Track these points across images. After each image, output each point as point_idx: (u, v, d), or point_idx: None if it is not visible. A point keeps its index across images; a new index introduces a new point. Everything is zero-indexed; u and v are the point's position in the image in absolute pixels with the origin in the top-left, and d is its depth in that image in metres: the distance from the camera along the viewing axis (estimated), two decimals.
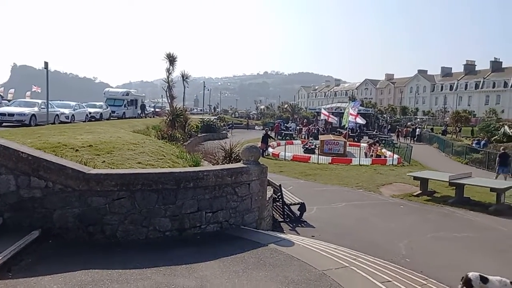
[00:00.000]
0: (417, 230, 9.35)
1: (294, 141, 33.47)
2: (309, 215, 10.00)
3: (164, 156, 9.56)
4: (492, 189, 12.09)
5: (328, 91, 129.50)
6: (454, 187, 12.82)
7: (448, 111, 63.79)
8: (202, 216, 6.40)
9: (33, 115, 18.73)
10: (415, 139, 41.33)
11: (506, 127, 34.91)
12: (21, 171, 5.68)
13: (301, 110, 76.01)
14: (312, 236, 8.18)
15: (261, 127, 50.35)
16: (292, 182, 14.63)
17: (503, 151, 19.73)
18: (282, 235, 7.09)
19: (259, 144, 21.10)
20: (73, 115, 23.08)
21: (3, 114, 18.32)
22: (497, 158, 19.58)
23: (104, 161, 7.56)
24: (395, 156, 24.31)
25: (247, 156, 7.16)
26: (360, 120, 32.35)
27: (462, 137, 40.56)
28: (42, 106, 20.02)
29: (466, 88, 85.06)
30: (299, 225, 9.32)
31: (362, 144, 30.63)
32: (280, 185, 9.96)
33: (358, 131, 39.49)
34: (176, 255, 5.41)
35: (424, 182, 13.53)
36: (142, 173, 6.34)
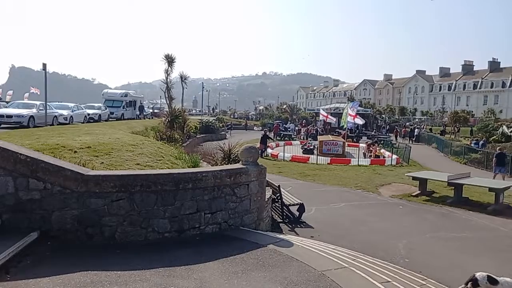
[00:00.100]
0: (416, 230, 9.35)
1: (293, 142, 33.46)
2: (308, 215, 10.00)
3: (163, 157, 9.56)
4: (490, 189, 12.10)
5: (327, 91, 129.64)
6: (453, 187, 12.82)
7: (447, 111, 63.89)
8: (201, 217, 6.40)
9: (32, 116, 18.70)
10: (413, 139, 41.41)
11: (504, 127, 35.02)
12: (20, 173, 5.67)
13: (300, 111, 76.18)
14: (311, 237, 8.17)
15: (260, 127, 50.37)
16: (291, 183, 14.63)
17: (499, 151, 19.80)
18: (281, 236, 7.09)
19: (258, 145, 21.10)
20: (71, 116, 23.05)
21: (1, 116, 18.29)
22: (494, 158, 19.64)
23: (102, 162, 7.56)
24: (394, 156, 24.32)
25: (246, 157, 7.16)
26: (359, 121, 32.38)
27: (461, 137, 40.62)
28: (41, 108, 19.99)
29: (464, 88, 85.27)
30: (298, 226, 9.32)
31: (361, 145, 30.66)
32: (279, 185, 9.96)
33: (357, 131, 39.51)
34: (175, 256, 5.41)
35: (423, 182, 13.54)
36: (140, 175, 6.34)
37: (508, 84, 76.29)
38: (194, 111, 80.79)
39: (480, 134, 36.92)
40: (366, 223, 9.90)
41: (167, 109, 21.92)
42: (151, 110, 49.89)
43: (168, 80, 21.04)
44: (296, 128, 46.47)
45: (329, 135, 32.95)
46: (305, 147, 27.64)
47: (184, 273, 4.86)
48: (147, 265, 5.00)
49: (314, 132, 39.91)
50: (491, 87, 79.68)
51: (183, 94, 24.34)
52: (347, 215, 10.69)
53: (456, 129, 42.11)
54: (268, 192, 8.53)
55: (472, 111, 68.09)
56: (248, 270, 5.03)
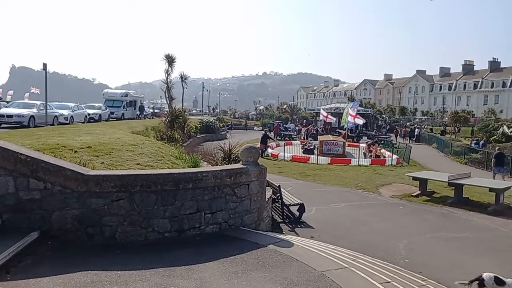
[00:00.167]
0: (416, 231, 9.35)
1: (293, 142, 33.47)
2: (308, 215, 10.00)
3: (163, 157, 9.56)
4: (491, 189, 12.10)
5: (327, 91, 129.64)
6: (453, 188, 12.82)
7: (447, 111, 63.89)
8: (201, 217, 6.40)
9: (32, 116, 18.72)
10: (413, 139, 41.41)
11: (505, 127, 35.01)
12: (20, 173, 5.68)
13: (300, 111, 76.19)
14: (311, 237, 8.18)
15: (260, 127, 50.37)
16: (291, 183, 14.63)
17: (498, 151, 19.82)
18: (281, 236, 7.09)
19: (258, 145, 21.11)
20: (72, 116, 23.07)
21: (1, 116, 18.31)
22: (493, 159, 19.66)
23: (103, 162, 7.56)
24: (394, 156, 24.31)
25: (246, 156, 7.16)
26: (359, 121, 32.32)
27: (461, 137, 40.61)
28: (41, 108, 20.01)
29: (464, 88, 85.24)
30: (298, 226, 9.32)
31: (361, 145, 30.65)
32: (279, 185, 9.95)
33: (357, 131, 39.50)
34: (175, 256, 5.41)
35: (423, 182, 13.54)
36: (141, 174, 6.35)
37: (508, 84, 76.24)
38: (194, 111, 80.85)
39: (480, 134, 36.91)
40: (366, 223, 9.90)
41: (168, 109, 21.92)
42: (151, 110, 49.89)
43: (169, 80, 21.03)
44: (297, 128, 46.46)
45: (329, 135, 32.94)
46: (306, 147, 27.64)
47: (184, 273, 4.86)
48: (147, 265, 5.00)
49: (315, 132, 39.90)
50: (492, 87, 79.65)
51: (183, 94, 24.34)
52: (347, 215, 10.69)
53: (456, 129, 42.11)
54: (269, 192, 8.53)
55: (473, 111, 68.09)
56: (248, 270, 5.04)
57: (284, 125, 48.06)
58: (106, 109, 30.05)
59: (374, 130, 47.41)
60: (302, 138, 38.86)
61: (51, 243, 5.55)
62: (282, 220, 9.60)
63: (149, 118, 37.33)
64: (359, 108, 39.86)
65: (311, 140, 32.57)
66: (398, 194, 13.51)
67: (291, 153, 24.67)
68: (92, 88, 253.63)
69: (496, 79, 79.38)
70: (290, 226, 9.23)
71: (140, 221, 5.97)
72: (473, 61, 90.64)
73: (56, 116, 21.05)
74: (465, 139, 38.64)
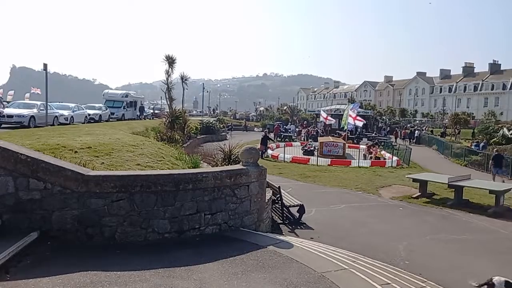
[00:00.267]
0: (416, 232, 9.35)
1: (293, 143, 33.47)
2: (308, 217, 9.99)
3: (163, 158, 9.56)
4: (491, 191, 12.10)
5: (327, 93, 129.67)
6: (453, 189, 12.82)
7: (447, 113, 63.90)
8: (201, 218, 6.40)
9: (32, 116, 18.72)
10: (413, 141, 41.42)
11: (505, 129, 35.01)
12: (20, 173, 5.68)
13: (300, 112, 76.14)
14: (311, 238, 8.17)
15: (261, 128, 50.39)
16: (291, 184, 14.63)
17: (496, 153, 19.84)
18: (281, 237, 7.09)
19: (258, 146, 21.11)
20: (72, 116, 23.08)
21: (2, 116, 18.31)
22: (491, 161, 19.68)
23: (103, 162, 7.56)
24: (394, 158, 24.31)
25: (246, 157, 7.17)
26: (359, 122, 32.27)
27: (461, 139, 40.62)
28: (41, 108, 20.02)
29: (465, 90, 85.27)
30: (298, 227, 9.31)
31: (361, 146, 30.65)
32: (279, 186, 9.95)
33: (357, 133, 39.51)
34: (174, 257, 5.41)
35: (423, 184, 13.53)
36: (141, 175, 6.35)
37: (508, 86, 76.26)
38: (194, 112, 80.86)
39: (480, 136, 36.90)
40: (366, 224, 9.89)
41: (168, 110, 21.91)
42: (151, 111, 49.88)
43: (169, 81, 21.02)
44: (297, 129, 46.47)
45: (329, 137, 32.94)
46: (306, 148, 27.64)
47: (184, 274, 4.86)
48: (146, 266, 5.00)
49: (315, 133, 39.90)
50: (492, 89, 79.68)
51: (183, 95, 24.33)
52: (347, 216, 10.68)
53: (456, 131, 42.11)
54: (268, 193, 8.53)
55: (473, 113, 67.97)
56: (248, 271, 5.03)
57: (284, 126, 48.08)
58: (107, 109, 30.07)
59: (374, 132, 47.44)
60: (302, 139, 38.85)
61: (50, 243, 5.55)
62: (282, 221, 9.60)
63: (149, 119, 37.33)
64: (359, 109, 39.91)
65: (311, 142, 32.56)
66: (398, 196, 13.50)
67: (291, 154, 24.65)
68: (92, 88, 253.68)
69: (496, 81, 79.42)
70: (290, 227, 9.23)
71: (140, 221, 5.96)
72: (473, 63, 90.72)
73: (56, 116, 21.06)
74: (465, 141, 38.64)
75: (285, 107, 74.48)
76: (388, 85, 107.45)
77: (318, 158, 23.20)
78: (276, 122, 50.50)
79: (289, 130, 45.15)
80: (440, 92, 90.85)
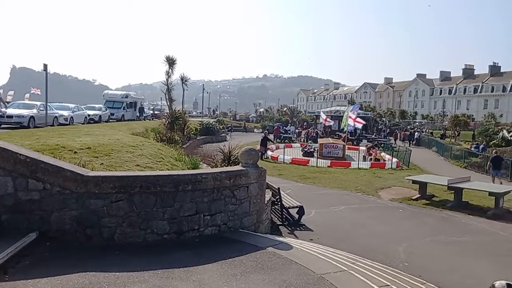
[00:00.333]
0: (415, 234, 9.34)
1: (293, 144, 33.49)
2: (307, 218, 9.99)
3: (163, 159, 9.55)
4: (490, 193, 12.11)
5: (327, 94, 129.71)
6: (453, 191, 12.83)
7: (447, 115, 63.93)
8: (201, 219, 6.39)
9: (32, 117, 18.72)
10: (413, 142, 41.44)
11: (504, 131, 35.02)
12: (19, 173, 5.67)
13: (300, 113, 76.14)
14: (311, 240, 8.16)
15: (261, 130, 50.40)
16: (290, 185, 14.63)
17: (495, 155, 19.85)
18: (281, 239, 7.08)
19: (258, 147, 21.10)
20: (72, 117, 23.07)
21: (1, 116, 18.30)
22: (489, 162, 19.69)
23: (102, 163, 7.55)
24: (394, 159, 24.32)
25: (246, 159, 7.16)
26: (359, 124, 32.26)
27: (461, 141, 40.64)
28: (41, 108, 20.02)
29: (465, 92, 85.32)
30: (298, 229, 9.30)
31: (361, 148, 30.66)
32: (278, 188, 9.95)
33: (357, 135, 39.54)
34: (173, 258, 5.39)
35: (423, 186, 13.53)
36: (140, 176, 6.34)
37: (508, 89, 76.29)
38: (194, 113, 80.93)
39: (480, 138, 36.92)
40: (365, 226, 9.89)
41: (168, 111, 21.90)
42: (151, 112, 49.91)
43: (169, 81, 21.01)
44: (297, 130, 46.50)
45: (329, 138, 32.96)
46: (305, 149, 27.65)
47: (183, 275, 4.85)
48: (145, 267, 4.99)
49: (314, 134, 39.94)
50: (492, 91, 79.73)
51: (183, 95, 24.31)
52: (346, 218, 10.68)
53: (456, 133, 42.13)
54: (268, 195, 8.53)
55: (473, 115, 68.03)
56: (247, 272, 5.02)
57: (284, 127, 48.08)
58: (106, 110, 30.06)
59: (374, 134, 47.47)
60: (302, 140, 38.90)
61: (49, 244, 5.54)
62: (281, 223, 9.59)
63: (149, 120, 37.34)
64: (359, 111, 39.95)
65: (311, 143, 32.59)
66: (398, 198, 13.50)
67: (290, 155, 24.67)
68: (92, 89, 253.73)
69: (496, 83, 79.46)
70: (290, 229, 9.22)
71: (139, 222, 5.95)
72: (473, 65, 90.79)
73: (56, 117, 21.05)
74: (465, 143, 38.67)
75: (285, 109, 74.46)
76: (388, 86, 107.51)
77: (318, 159, 23.21)
78: (276, 124, 50.46)
79: (289, 132, 45.15)
80: (440, 94, 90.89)
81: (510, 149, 28.33)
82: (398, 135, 45.03)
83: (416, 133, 45.44)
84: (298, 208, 9.95)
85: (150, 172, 7.35)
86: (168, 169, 8.43)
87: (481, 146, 30.90)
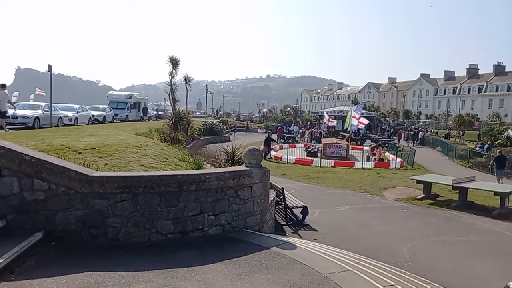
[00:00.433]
0: (420, 234, 9.31)
1: (296, 144, 33.46)
2: (311, 218, 9.98)
3: (167, 159, 9.57)
4: (495, 193, 12.05)
5: (331, 94, 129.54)
6: (458, 191, 12.77)
7: (451, 115, 63.66)
8: (205, 219, 6.40)
9: (37, 117, 18.80)
10: (417, 142, 41.29)
11: (509, 130, 34.87)
12: (24, 173, 5.70)
13: (304, 113, 76.12)
14: (315, 240, 8.16)
15: (264, 130, 50.40)
16: (294, 185, 14.62)
17: (499, 154, 19.75)
18: (285, 238, 7.08)
19: (262, 147, 21.11)
20: (76, 117, 23.16)
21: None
22: (492, 161, 19.57)
23: (107, 163, 7.58)
24: (398, 159, 24.25)
25: (250, 159, 7.17)
26: (362, 124, 32.17)
27: (466, 140, 40.44)
28: (46, 109, 20.11)
29: (469, 92, 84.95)
30: (302, 229, 9.30)
31: (365, 148, 30.58)
32: (282, 188, 9.94)
33: (361, 134, 39.44)
34: (178, 258, 5.41)
35: (427, 185, 13.49)
36: (144, 176, 6.36)
37: None
38: (198, 113, 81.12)
39: (485, 137, 36.75)
40: (370, 226, 9.87)
41: (171, 111, 21.99)
42: (155, 112, 50.00)
43: (173, 82, 21.12)
44: (300, 130, 46.48)
45: (333, 138, 32.90)
46: (309, 149, 27.62)
47: (187, 275, 4.86)
48: (150, 266, 5.01)
49: (318, 134, 39.92)
50: (496, 90, 79.33)
51: (187, 96, 24.41)
52: (350, 218, 10.66)
53: (461, 132, 41.94)
54: (272, 195, 8.53)
55: (477, 115, 67.79)
56: (251, 272, 5.03)
57: (288, 127, 48.06)
58: (110, 110, 30.16)
59: (378, 133, 47.36)
60: (305, 140, 38.86)
61: (55, 243, 5.57)
62: (285, 223, 9.59)
63: (153, 120, 37.42)
64: (363, 111, 39.86)
65: (314, 143, 32.57)
66: (402, 197, 13.46)
67: (294, 155, 24.65)
68: (96, 90, 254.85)
69: (500, 83, 79.04)
70: (293, 229, 9.22)
71: (143, 222, 5.98)
72: (477, 65, 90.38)
73: (60, 117, 21.14)
74: (469, 142, 38.48)
75: (288, 109, 74.46)
76: (392, 86, 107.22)
77: (322, 159, 23.18)
78: (280, 124, 50.48)
79: (293, 132, 45.13)
80: (444, 93, 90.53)
81: None
82: (402, 135, 44.89)
83: (420, 133, 45.28)
84: (302, 208, 9.95)
85: (154, 172, 7.37)
86: (172, 169, 8.45)
87: (486, 146, 30.75)
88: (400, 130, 50.55)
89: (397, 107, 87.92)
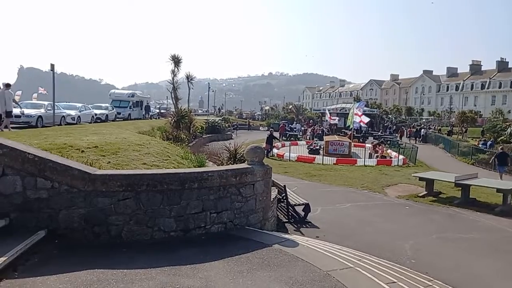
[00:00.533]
0: (422, 231, 9.31)
1: (299, 142, 33.37)
2: (313, 215, 9.99)
3: (169, 157, 9.59)
4: (498, 190, 12.01)
5: (333, 91, 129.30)
6: (460, 188, 12.74)
7: (454, 112, 63.43)
8: (207, 217, 6.42)
9: (40, 116, 18.87)
10: (420, 139, 41.17)
11: None
12: (28, 172, 5.73)
13: (306, 111, 75.99)
14: (317, 237, 8.17)
15: (266, 128, 50.39)
16: (296, 183, 14.62)
17: (501, 151, 19.68)
18: (287, 236, 7.09)
19: (264, 145, 21.11)
20: (79, 116, 23.25)
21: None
22: (494, 158, 19.51)
23: (109, 162, 7.60)
24: (401, 156, 24.20)
25: (252, 156, 7.17)
26: (364, 122, 32.06)
27: (468, 137, 40.28)
28: (49, 108, 20.18)
29: (472, 89, 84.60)
30: (304, 226, 9.31)
31: (367, 145, 30.53)
32: (284, 185, 9.96)
33: (363, 131, 39.35)
34: (180, 255, 5.43)
35: (429, 183, 13.46)
36: (147, 174, 6.37)
37: None
38: (200, 111, 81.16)
39: (488, 134, 36.59)
40: (372, 223, 9.87)
41: (174, 109, 22.02)
42: (157, 110, 50.16)
43: (175, 80, 21.13)
44: (302, 128, 46.38)
45: (335, 135, 32.84)
46: (311, 147, 27.57)
47: (190, 272, 4.88)
48: (153, 264, 5.03)
49: (320, 132, 39.83)
50: (499, 87, 78.97)
51: (189, 94, 24.43)
52: (353, 215, 10.66)
53: (463, 129, 41.78)
54: (274, 192, 8.54)
55: (480, 111, 67.46)
56: (253, 269, 5.04)
57: (290, 125, 48.02)
58: (113, 109, 30.25)
59: (380, 131, 47.24)
60: (307, 138, 38.77)
61: (58, 241, 5.60)
62: (287, 220, 9.61)
63: (155, 118, 37.52)
64: (365, 108, 39.76)
65: (316, 140, 32.49)
66: (404, 195, 13.45)
67: (296, 153, 24.64)
68: (99, 88, 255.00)
69: (504, 79, 78.68)
70: (296, 226, 9.23)
71: (146, 220, 6.00)
72: (480, 61, 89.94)
73: (63, 116, 21.23)
74: (472, 139, 38.33)
75: (290, 106, 74.31)
76: (394, 83, 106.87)
77: (324, 157, 23.14)
78: (282, 121, 50.45)
79: (295, 129, 45.08)
80: (447, 90, 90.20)
81: None
82: (404, 132, 44.77)
83: (422, 130, 45.14)
84: (304, 206, 9.96)
85: (157, 170, 7.39)
86: (175, 167, 8.47)
87: (489, 143, 30.63)
88: (403, 127, 50.42)
89: (400, 104, 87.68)
